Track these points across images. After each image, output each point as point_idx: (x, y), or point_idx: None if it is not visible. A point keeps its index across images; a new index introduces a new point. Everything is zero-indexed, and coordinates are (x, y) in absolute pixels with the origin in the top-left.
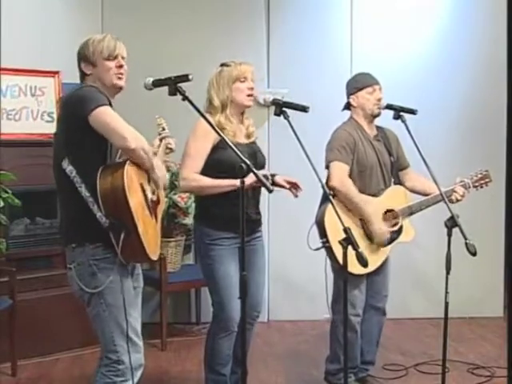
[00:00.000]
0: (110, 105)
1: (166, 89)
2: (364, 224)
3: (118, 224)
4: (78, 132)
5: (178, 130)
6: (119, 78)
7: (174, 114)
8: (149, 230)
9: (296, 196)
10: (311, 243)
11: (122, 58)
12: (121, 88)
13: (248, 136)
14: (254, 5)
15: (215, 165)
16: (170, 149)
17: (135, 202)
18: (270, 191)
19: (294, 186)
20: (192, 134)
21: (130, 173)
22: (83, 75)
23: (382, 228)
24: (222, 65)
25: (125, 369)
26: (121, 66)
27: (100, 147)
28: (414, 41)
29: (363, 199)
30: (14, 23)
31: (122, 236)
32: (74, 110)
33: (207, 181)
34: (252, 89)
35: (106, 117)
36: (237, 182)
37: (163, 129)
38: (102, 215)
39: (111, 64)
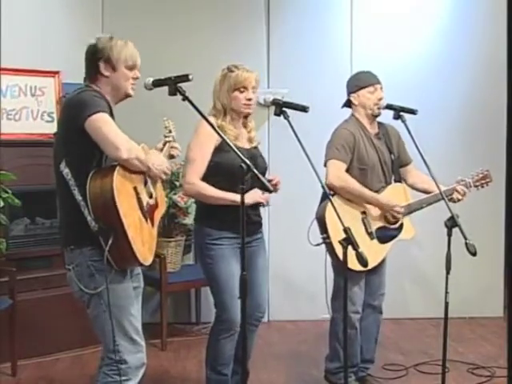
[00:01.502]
0: (111, 112)
1: (166, 89)
2: (365, 219)
3: (107, 229)
4: (76, 135)
5: (178, 130)
6: (132, 89)
7: (174, 115)
8: (141, 235)
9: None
10: (311, 239)
11: (138, 68)
12: (130, 97)
13: (250, 140)
14: (254, 5)
15: (215, 167)
16: (172, 156)
17: (125, 206)
18: (271, 191)
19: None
20: (195, 138)
21: (120, 177)
22: (96, 74)
23: (389, 199)
24: (229, 68)
25: (127, 368)
26: (137, 78)
27: (96, 151)
28: (413, 41)
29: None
30: (14, 23)
31: (110, 241)
32: (73, 113)
33: (212, 191)
34: (250, 99)
35: (101, 124)
36: (238, 199)
37: (170, 131)
38: (91, 219)
39: (130, 74)
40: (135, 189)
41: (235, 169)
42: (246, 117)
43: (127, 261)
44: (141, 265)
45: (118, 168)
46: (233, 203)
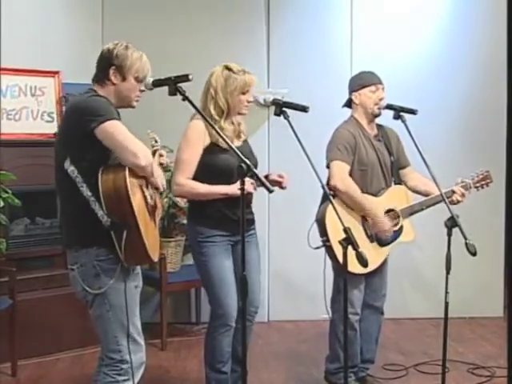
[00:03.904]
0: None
1: (165, 89)
2: (365, 222)
3: (120, 223)
4: (83, 139)
5: (178, 130)
6: (136, 101)
7: (173, 115)
8: (149, 232)
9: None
10: (311, 242)
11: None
12: (132, 108)
13: (238, 135)
14: (254, 5)
15: (208, 168)
16: (161, 163)
17: (137, 202)
18: (271, 191)
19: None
20: (184, 139)
21: (130, 173)
22: (104, 79)
23: (385, 221)
24: (229, 68)
25: (128, 368)
26: (143, 91)
27: (102, 148)
28: (413, 41)
29: (365, 196)
30: (14, 23)
31: (125, 234)
32: (82, 118)
33: (201, 188)
34: (250, 101)
35: (115, 131)
36: (229, 191)
37: (156, 141)
38: (103, 214)
39: (138, 86)
40: (141, 187)
41: (230, 169)
42: None
43: (138, 256)
44: (150, 261)
45: (127, 166)
46: (224, 196)
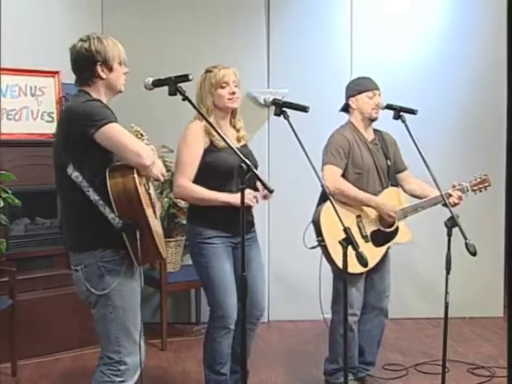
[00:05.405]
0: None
1: (165, 89)
2: (360, 222)
3: (133, 224)
4: (83, 143)
5: (177, 130)
6: (123, 85)
7: (173, 115)
8: (156, 229)
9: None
10: (308, 242)
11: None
12: (121, 93)
13: (238, 139)
14: (254, 5)
15: (207, 168)
16: None
17: (145, 202)
18: (271, 191)
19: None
20: (183, 141)
21: (137, 174)
22: (92, 77)
23: (389, 204)
24: (207, 71)
25: (125, 370)
26: (127, 73)
27: (104, 152)
28: (414, 41)
29: (358, 191)
30: (14, 23)
31: (138, 235)
32: (80, 124)
33: (203, 193)
34: (233, 93)
35: (115, 133)
36: (230, 199)
37: (141, 135)
38: (114, 216)
39: (123, 69)
40: (144, 186)
41: (229, 168)
42: (233, 116)
43: (150, 254)
44: (161, 257)
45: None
46: (224, 204)
